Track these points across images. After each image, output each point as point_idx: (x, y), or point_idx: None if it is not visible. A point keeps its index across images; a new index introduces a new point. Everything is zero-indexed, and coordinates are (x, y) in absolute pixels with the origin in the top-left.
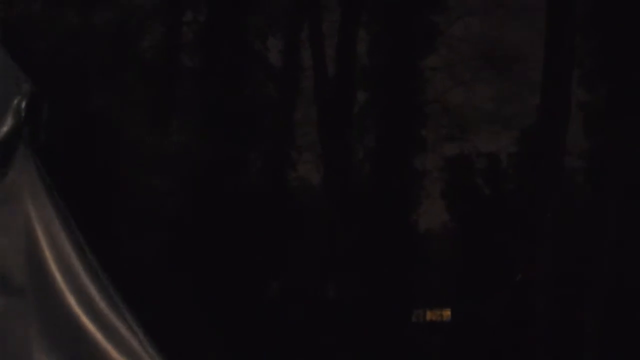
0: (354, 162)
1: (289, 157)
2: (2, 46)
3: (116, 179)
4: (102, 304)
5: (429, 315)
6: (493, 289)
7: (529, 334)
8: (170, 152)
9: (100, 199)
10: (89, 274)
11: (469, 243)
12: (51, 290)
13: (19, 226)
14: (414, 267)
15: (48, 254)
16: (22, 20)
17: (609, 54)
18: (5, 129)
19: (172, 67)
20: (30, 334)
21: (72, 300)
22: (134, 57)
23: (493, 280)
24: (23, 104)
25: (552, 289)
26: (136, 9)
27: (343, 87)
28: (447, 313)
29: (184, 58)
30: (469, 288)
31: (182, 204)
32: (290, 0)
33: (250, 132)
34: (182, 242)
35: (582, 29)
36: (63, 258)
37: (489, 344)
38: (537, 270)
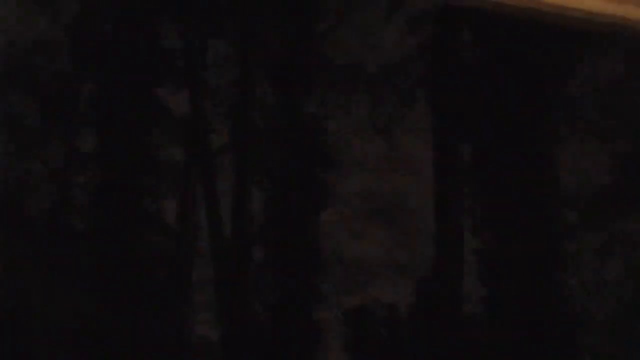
0: (253, 319)
1: (187, 317)
2: None
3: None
4: None
5: None
6: None
7: None
8: (60, 316)
9: None
10: None
11: None
12: None
13: None
14: None
15: None
16: None
17: (496, 201)
18: None
19: (63, 230)
20: None
21: None
22: (21, 223)
23: None
24: None
25: None
26: (25, 174)
27: (239, 245)
28: None
29: (76, 221)
30: None
31: None
32: (184, 161)
33: (146, 294)
34: None
35: (469, 178)
36: None
37: None
38: None
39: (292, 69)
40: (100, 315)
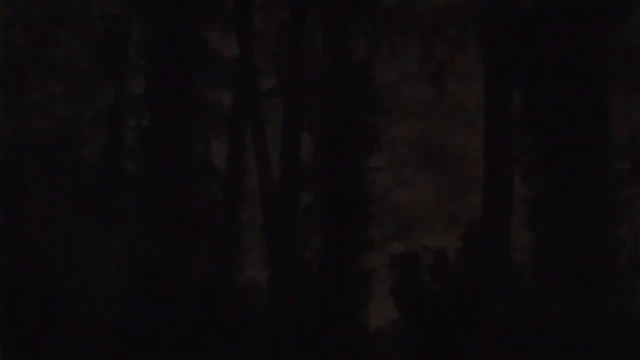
0: (301, 263)
1: (236, 259)
2: None
3: (55, 288)
4: None
5: None
6: None
7: None
8: (112, 258)
9: (40, 309)
10: None
11: (418, 340)
12: None
13: None
14: None
15: None
16: None
17: (546, 150)
18: None
19: (115, 171)
20: None
21: None
22: (75, 164)
23: None
24: None
25: None
26: (78, 117)
27: (287, 189)
28: None
29: (127, 163)
30: None
31: (124, 311)
32: (233, 104)
33: (196, 234)
34: (124, 351)
35: (519, 125)
36: None
37: None
38: None
39: (342, 13)
40: (151, 257)
